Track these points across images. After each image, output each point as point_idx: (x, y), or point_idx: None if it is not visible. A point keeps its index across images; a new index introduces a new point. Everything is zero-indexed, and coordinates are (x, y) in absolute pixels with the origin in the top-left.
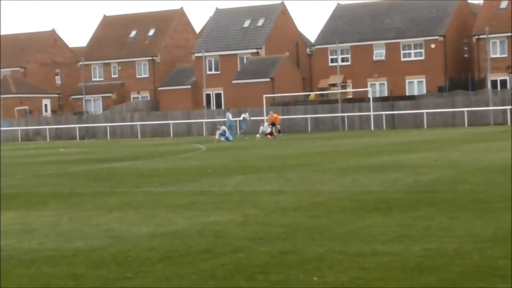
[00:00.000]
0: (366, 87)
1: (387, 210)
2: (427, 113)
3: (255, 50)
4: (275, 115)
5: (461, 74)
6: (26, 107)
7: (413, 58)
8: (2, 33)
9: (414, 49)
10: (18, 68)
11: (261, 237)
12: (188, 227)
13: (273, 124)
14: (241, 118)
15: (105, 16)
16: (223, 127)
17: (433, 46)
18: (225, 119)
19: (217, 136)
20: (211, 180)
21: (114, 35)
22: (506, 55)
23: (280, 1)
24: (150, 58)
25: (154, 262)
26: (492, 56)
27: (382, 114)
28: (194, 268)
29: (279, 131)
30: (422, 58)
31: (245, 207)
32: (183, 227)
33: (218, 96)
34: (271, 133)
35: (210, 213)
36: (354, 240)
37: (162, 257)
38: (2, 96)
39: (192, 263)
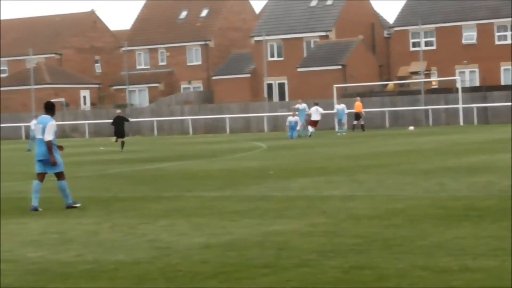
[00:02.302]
0: (454, 75)
1: (478, 219)
2: None
3: (323, 33)
4: (360, 103)
5: None
6: (62, 99)
7: (509, 41)
8: (34, 15)
9: (511, 30)
10: (53, 55)
11: (330, 249)
12: (246, 237)
13: (357, 117)
14: (334, 111)
15: None
16: (296, 118)
17: None
18: (334, 111)
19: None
20: (272, 183)
21: (161, 16)
22: None
23: None
24: (203, 42)
25: (207, 278)
26: None
27: (472, 107)
28: (253, 284)
29: (362, 127)
30: None
31: (312, 214)
32: (241, 238)
33: (281, 86)
34: (313, 123)
35: (272, 222)
36: (440, 253)
37: (216, 272)
38: (35, 86)
39: (251, 279)
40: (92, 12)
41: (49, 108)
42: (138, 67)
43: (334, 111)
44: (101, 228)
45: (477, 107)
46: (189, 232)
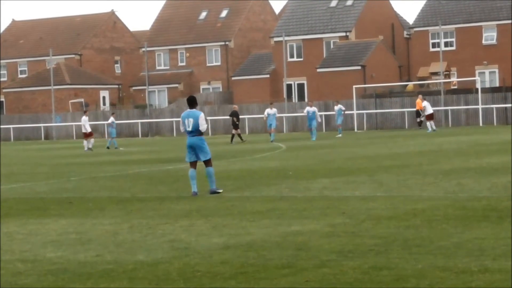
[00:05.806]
0: (474, 76)
1: (499, 220)
2: None
3: (343, 34)
4: (420, 100)
5: None
6: (82, 100)
7: None
8: (55, 15)
9: None
10: (73, 55)
11: (350, 250)
12: (265, 238)
13: (418, 114)
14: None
15: None
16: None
17: None
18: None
19: None
20: (292, 183)
21: (181, 16)
22: None
23: None
24: (223, 43)
25: (227, 278)
26: None
27: (492, 108)
28: (273, 285)
29: (420, 123)
30: None
31: (332, 215)
32: (260, 238)
33: (300, 86)
34: (431, 116)
35: (291, 222)
36: (459, 254)
37: (235, 272)
38: (55, 87)
39: (270, 279)
40: (112, 13)
41: (193, 102)
42: (158, 67)
43: (334, 112)
44: (120, 229)
45: (497, 108)
46: (209, 232)
